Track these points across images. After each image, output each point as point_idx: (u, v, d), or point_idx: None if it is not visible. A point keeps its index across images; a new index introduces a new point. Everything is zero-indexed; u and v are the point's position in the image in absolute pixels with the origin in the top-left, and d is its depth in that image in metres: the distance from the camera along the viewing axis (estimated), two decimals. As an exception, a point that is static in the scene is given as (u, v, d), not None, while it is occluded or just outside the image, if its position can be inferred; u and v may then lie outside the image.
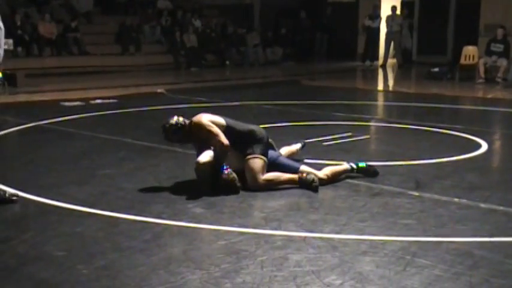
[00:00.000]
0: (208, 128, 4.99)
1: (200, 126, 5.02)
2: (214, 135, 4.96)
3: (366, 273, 3.39)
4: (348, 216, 4.41)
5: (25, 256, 3.64)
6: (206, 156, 4.97)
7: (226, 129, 5.07)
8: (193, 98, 10.96)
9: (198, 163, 4.97)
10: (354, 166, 5.40)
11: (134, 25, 17.18)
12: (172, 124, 5.10)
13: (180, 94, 11.58)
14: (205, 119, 5.06)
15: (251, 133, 5.18)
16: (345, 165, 5.42)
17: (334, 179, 5.26)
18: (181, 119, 5.13)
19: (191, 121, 5.12)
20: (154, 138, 7.17)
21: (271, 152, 5.26)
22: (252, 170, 5.03)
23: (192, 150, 5.99)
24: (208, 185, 4.96)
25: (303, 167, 5.24)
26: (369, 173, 5.42)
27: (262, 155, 5.11)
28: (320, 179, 5.11)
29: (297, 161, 5.49)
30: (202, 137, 5.04)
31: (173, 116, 5.17)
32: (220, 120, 5.14)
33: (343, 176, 5.36)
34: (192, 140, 5.24)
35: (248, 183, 5.03)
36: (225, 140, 4.95)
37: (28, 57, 14.93)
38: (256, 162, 5.05)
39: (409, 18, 18.50)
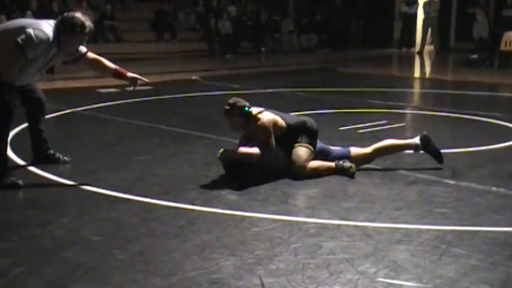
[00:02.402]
0: (269, 139, 4.91)
1: (263, 131, 4.92)
2: (270, 149, 4.90)
3: (400, 262, 3.36)
4: (382, 204, 4.37)
5: (62, 240, 3.70)
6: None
7: (286, 129, 5.05)
8: (227, 85, 10.96)
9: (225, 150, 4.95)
10: (418, 143, 5.29)
11: (169, 12, 17.24)
12: (243, 106, 4.97)
13: (214, 81, 11.60)
14: (270, 125, 4.95)
15: (302, 124, 5.14)
16: (408, 141, 5.39)
17: (387, 153, 5.34)
18: (253, 109, 5.02)
19: (258, 118, 4.96)
20: (189, 125, 7.21)
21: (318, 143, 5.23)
22: (300, 158, 4.98)
23: (226, 137, 6.03)
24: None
25: (353, 149, 5.25)
26: (435, 154, 5.35)
27: (310, 144, 5.08)
28: (366, 155, 5.22)
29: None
30: (256, 135, 4.95)
31: (247, 102, 5.03)
32: (282, 122, 5.06)
33: (397, 152, 5.41)
34: (244, 129, 5.10)
35: (293, 171, 4.97)
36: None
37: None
38: (304, 150, 5.02)
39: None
